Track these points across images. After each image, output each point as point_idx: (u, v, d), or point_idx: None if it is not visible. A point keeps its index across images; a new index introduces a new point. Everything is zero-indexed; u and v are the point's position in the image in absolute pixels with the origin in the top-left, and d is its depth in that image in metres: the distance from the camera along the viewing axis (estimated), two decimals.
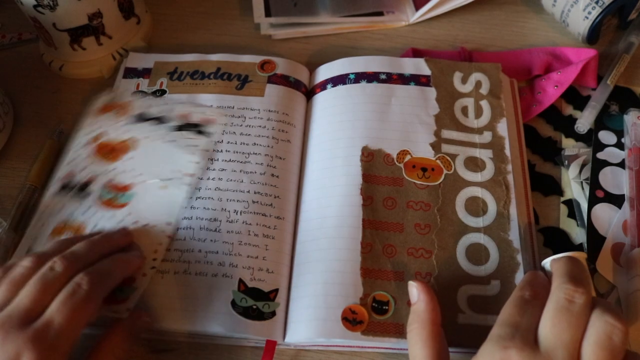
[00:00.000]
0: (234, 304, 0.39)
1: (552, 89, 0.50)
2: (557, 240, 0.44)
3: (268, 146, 0.46)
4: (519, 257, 0.40)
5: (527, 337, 0.30)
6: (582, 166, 0.46)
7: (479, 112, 0.47)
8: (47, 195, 0.44)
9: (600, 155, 0.46)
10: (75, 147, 0.46)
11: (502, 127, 0.46)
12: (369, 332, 0.37)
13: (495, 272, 0.39)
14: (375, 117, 0.46)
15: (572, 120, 0.49)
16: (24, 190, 0.46)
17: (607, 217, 0.43)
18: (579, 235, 0.44)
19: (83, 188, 0.44)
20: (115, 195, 0.43)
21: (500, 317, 0.33)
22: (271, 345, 0.38)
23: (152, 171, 0.44)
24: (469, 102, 0.47)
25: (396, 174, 0.43)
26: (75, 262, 0.36)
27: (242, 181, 0.44)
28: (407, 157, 0.44)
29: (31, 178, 0.47)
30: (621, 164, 0.46)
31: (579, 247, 0.43)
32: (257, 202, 0.43)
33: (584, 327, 0.30)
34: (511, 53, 0.54)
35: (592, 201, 0.44)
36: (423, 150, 0.44)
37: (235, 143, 0.46)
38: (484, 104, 0.47)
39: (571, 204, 0.45)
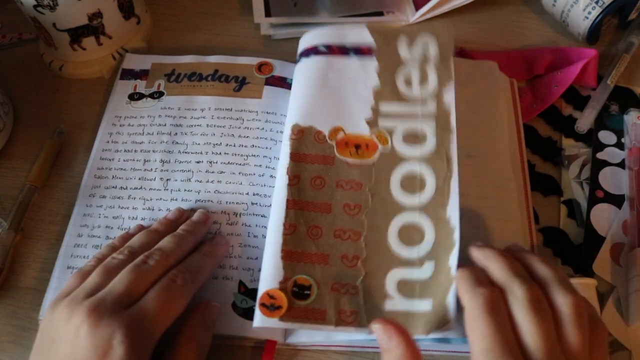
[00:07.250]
0: (234, 305, 0.39)
1: (552, 89, 0.50)
2: (557, 240, 0.44)
3: (266, 148, 0.46)
4: (455, 236, 0.37)
5: (514, 350, 0.29)
6: (582, 166, 0.46)
7: (423, 79, 0.43)
8: None
9: (600, 155, 0.46)
10: None
11: (449, 94, 0.42)
12: (288, 318, 0.35)
13: (430, 253, 0.37)
14: (309, 94, 0.44)
15: (572, 120, 0.49)
16: (24, 190, 0.46)
17: (607, 217, 0.43)
18: (578, 235, 0.44)
19: None
20: None
21: (478, 333, 0.30)
22: (271, 345, 0.38)
23: None
24: (414, 68, 0.43)
25: (327, 152, 0.41)
26: (167, 259, 0.37)
27: (241, 183, 0.44)
28: (340, 134, 0.42)
29: (31, 178, 0.47)
30: (621, 164, 0.46)
31: (579, 248, 0.43)
32: (256, 203, 0.43)
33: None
34: (511, 53, 0.54)
35: (592, 201, 0.44)
36: (358, 126, 0.42)
37: (234, 145, 0.46)
38: (430, 68, 0.43)
39: (571, 204, 0.45)
